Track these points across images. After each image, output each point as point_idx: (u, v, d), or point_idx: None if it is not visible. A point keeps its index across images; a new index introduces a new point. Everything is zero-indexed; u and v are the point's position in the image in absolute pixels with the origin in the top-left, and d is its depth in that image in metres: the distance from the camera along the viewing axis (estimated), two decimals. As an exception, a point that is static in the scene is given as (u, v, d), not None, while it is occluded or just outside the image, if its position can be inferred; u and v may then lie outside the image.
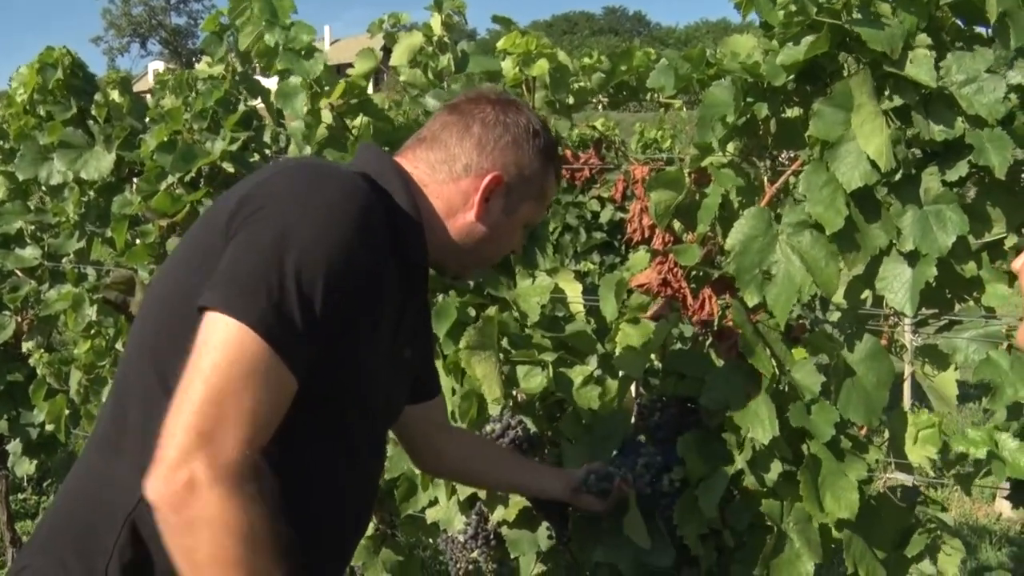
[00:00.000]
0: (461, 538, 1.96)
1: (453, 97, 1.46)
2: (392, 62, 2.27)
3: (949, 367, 1.69)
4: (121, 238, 2.86)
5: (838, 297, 1.61)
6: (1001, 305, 1.56)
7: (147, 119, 3.00)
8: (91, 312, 3.09)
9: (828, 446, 1.56)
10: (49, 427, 3.38)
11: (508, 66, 2.13)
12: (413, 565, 2.42)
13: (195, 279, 1.12)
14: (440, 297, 2.07)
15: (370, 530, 2.31)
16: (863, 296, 1.60)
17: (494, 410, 1.91)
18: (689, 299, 1.76)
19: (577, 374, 1.89)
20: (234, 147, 2.66)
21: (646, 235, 1.83)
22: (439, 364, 1.95)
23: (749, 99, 1.60)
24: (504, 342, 1.92)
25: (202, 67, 2.80)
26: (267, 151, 2.81)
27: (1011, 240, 1.52)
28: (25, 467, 3.61)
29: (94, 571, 1.14)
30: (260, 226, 1.11)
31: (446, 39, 2.26)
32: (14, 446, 3.60)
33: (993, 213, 1.51)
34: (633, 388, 1.94)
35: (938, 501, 1.70)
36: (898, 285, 1.51)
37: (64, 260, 3.29)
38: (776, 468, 1.62)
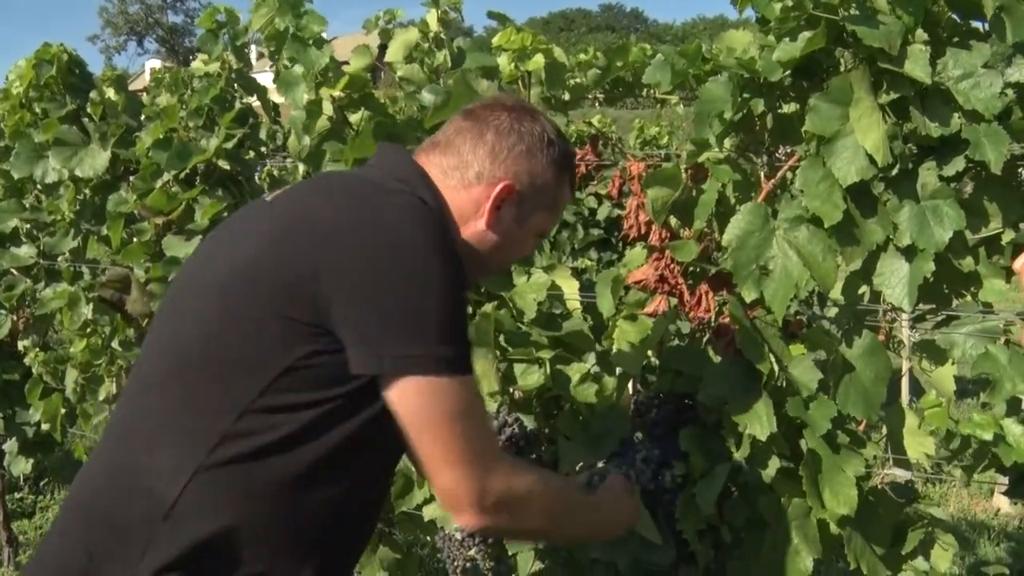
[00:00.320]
0: (458, 535, 1.95)
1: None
2: (387, 58, 2.27)
3: (947, 362, 1.68)
4: (117, 236, 2.85)
5: (836, 293, 1.60)
6: (998, 300, 1.55)
7: (143, 117, 2.99)
8: (87, 311, 3.09)
9: (825, 441, 1.56)
10: (45, 426, 3.37)
11: (504, 62, 2.12)
12: (410, 563, 2.42)
13: (278, 310, 1.17)
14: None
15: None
16: (861, 292, 1.60)
17: (491, 407, 1.91)
18: (686, 295, 1.76)
19: (574, 371, 1.88)
20: (230, 144, 2.65)
21: (643, 231, 1.82)
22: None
23: (745, 95, 1.59)
24: (501, 339, 1.92)
25: (198, 64, 2.79)
26: (263, 148, 2.80)
27: (1008, 235, 1.52)
28: (21, 466, 3.60)
29: (128, 561, 1.15)
30: (390, 280, 1.16)
31: (442, 35, 2.25)
32: (10, 445, 3.60)
33: (990, 208, 1.51)
34: (630, 385, 1.94)
35: (930, 497, 1.70)
36: (895, 280, 1.50)
37: (60, 258, 3.28)
38: (774, 464, 1.62)
